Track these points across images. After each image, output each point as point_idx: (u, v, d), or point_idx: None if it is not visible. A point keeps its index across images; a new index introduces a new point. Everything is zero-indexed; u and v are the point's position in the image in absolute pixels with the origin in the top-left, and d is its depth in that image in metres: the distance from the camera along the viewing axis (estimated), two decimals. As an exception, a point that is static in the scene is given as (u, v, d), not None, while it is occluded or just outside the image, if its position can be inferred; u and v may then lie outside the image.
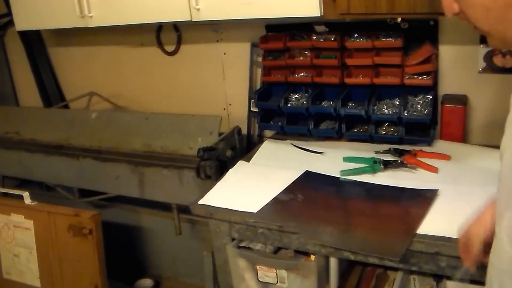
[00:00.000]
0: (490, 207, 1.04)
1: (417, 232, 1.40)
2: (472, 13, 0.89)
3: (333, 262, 1.59)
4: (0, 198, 2.44)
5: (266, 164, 1.98)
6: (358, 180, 1.75)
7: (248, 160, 2.02)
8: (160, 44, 2.61)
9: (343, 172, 1.79)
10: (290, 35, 2.15)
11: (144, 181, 2.32)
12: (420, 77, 1.94)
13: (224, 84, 2.52)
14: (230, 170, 1.94)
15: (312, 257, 1.59)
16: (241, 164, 1.98)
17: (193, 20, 2.01)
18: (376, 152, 1.91)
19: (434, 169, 1.73)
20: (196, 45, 2.52)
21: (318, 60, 2.09)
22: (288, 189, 1.74)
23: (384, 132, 2.03)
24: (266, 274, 1.65)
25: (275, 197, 1.69)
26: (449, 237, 1.32)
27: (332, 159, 1.92)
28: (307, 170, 1.85)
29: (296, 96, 2.20)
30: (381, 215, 1.59)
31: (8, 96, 3.27)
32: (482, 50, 1.86)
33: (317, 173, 1.83)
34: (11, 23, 2.89)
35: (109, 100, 2.78)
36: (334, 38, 2.05)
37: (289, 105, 2.16)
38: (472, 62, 1.91)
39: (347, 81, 2.06)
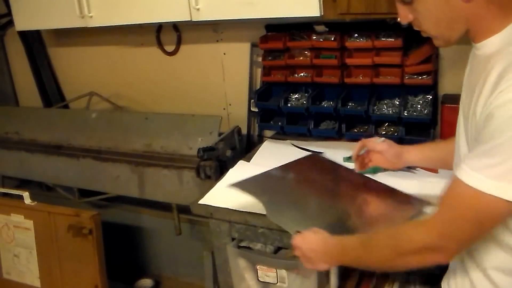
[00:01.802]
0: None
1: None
2: (426, 23, 1.06)
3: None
4: (0, 198, 2.44)
5: (266, 164, 1.97)
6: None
7: (248, 160, 2.02)
8: (160, 44, 2.61)
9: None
10: (290, 35, 2.15)
11: (144, 181, 2.32)
12: (420, 77, 1.94)
13: (224, 84, 2.52)
14: (230, 170, 1.94)
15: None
16: (241, 164, 1.98)
17: (193, 20, 2.01)
18: (376, 152, 1.91)
19: (434, 170, 1.73)
20: (196, 45, 2.52)
21: (318, 60, 2.09)
22: (285, 166, 1.74)
23: (384, 132, 2.03)
24: (266, 274, 1.65)
25: (266, 171, 1.70)
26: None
27: (332, 159, 1.92)
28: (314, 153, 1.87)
29: (296, 96, 2.20)
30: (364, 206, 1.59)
31: (8, 96, 3.27)
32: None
33: (323, 157, 1.84)
34: (11, 23, 2.89)
35: (109, 100, 2.78)
36: (334, 38, 2.05)
37: (289, 105, 2.16)
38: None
39: (347, 81, 2.06)
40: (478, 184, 0.92)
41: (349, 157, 1.88)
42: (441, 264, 1.03)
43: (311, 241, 1.25)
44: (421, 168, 1.76)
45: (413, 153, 1.54)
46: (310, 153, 2.00)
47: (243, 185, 1.62)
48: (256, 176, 1.68)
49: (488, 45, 1.01)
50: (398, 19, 1.11)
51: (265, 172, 1.71)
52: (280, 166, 1.74)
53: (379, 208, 1.58)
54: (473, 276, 1.08)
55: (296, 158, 1.81)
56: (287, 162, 1.77)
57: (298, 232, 1.31)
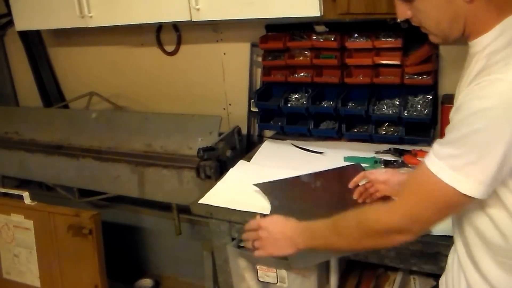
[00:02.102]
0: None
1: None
2: (426, 22, 1.07)
3: (333, 262, 1.59)
4: (0, 198, 2.44)
5: (266, 164, 1.98)
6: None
7: (248, 160, 2.02)
8: (160, 44, 2.61)
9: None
10: (290, 35, 2.15)
11: (144, 181, 2.32)
12: (420, 77, 1.94)
13: (224, 84, 2.52)
14: (230, 170, 1.94)
15: (312, 257, 1.59)
16: (241, 164, 1.98)
17: (193, 20, 2.01)
18: (377, 152, 1.91)
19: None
20: (196, 45, 2.52)
21: (318, 60, 2.09)
22: (318, 173, 1.77)
23: (384, 132, 2.03)
24: (266, 273, 1.65)
25: (295, 177, 1.76)
26: (449, 236, 1.32)
27: (332, 159, 1.92)
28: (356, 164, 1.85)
29: (296, 96, 2.20)
30: None
31: (8, 96, 3.27)
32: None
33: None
34: (11, 23, 2.89)
35: (109, 100, 2.78)
36: (334, 38, 2.05)
37: (289, 105, 2.16)
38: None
39: (347, 81, 2.06)
40: (438, 172, 0.96)
41: (349, 157, 1.89)
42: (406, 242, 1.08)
43: (280, 223, 1.28)
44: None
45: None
46: (310, 152, 2.01)
47: (266, 187, 1.70)
48: (282, 180, 1.74)
49: (478, 44, 1.03)
50: (397, 18, 1.11)
51: (294, 177, 1.76)
52: (314, 173, 1.77)
53: None
54: (468, 275, 1.08)
55: (338, 166, 1.82)
56: (327, 169, 1.79)
57: (264, 215, 1.33)
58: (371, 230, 1.09)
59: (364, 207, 1.16)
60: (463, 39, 1.07)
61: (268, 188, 1.70)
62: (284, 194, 1.69)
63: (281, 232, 1.27)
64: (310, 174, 1.76)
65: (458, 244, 1.12)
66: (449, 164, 0.94)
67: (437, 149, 0.98)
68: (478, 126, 0.90)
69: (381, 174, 1.51)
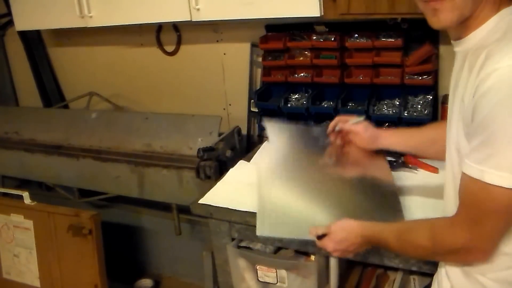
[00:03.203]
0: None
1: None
2: None
3: (333, 262, 1.59)
4: (0, 198, 2.44)
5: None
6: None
7: (248, 160, 2.02)
8: (160, 44, 2.61)
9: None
10: (290, 35, 2.15)
11: (144, 181, 2.32)
12: (420, 77, 1.94)
13: (224, 84, 2.52)
14: (231, 170, 1.94)
15: (312, 257, 1.59)
16: (241, 164, 1.98)
17: (193, 20, 2.01)
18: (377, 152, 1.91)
19: (434, 170, 1.72)
20: (196, 45, 2.52)
21: (318, 60, 2.09)
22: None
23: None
24: (266, 274, 1.65)
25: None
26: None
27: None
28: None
29: (296, 96, 2.20)
30: None
31: (8, 96, 3.27)
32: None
33: None
34: (11, 23, 2.89)
35: (109, 100, 2.78)
36: (334, 38, 2.04)
37: (289, 105, 2.16)
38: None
39: (347, 81, 2.06)
40: (482, 175, 0.91)
41: None
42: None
43: (353, 229, 1.23)
44: (420, 167, 1.76)
45: (389, 138, 1.53)
46: None
47: (273, 128, 1.70)
48: (292, 127, 1.76)
49: (471, 39, 1.00)
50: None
51: (306, 127, 1.80)
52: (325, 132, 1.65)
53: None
54: (454, 279, 1.09)
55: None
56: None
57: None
58: (439, 249, 1.04)
59: (435, 222, 1.08)
60: (454, 33, 1.04)
61: (276, 130, 1.68)
62: (288, 144, 1.66)
63: (357, 236, 1.22)
64: (323, 129, 1.68)
65: None
66: (489, 164, 0.90)
67: (474, 156, 0.93)
68: (501, 118, 0.87)
69: (354, 125, 1.54)
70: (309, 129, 1.77)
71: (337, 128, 1.57)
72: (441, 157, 1.19)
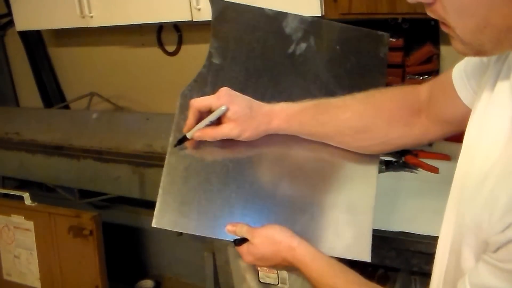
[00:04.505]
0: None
1: (418, 233, 1.39)
2: (462, 21, 0.63)
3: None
4: (0, 199, 2.44)
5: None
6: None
7: (249, 161, 2.00)
8: (160, 45, 2.61)
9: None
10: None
11: (145, 181, 2.31)
12: (421, 77, 1.93)
13: (225, 84, 2.51)
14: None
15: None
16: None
17: (194, 20, 2.01)
18: (378, 153, 1.90)
19: (435, 170, 1.72)
20: (197, 45, 2.52)
21: (319, 60, 2.08)
22: None
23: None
24: (267, 275, 1.65)
25: None
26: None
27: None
28: None
29: (297, 96, 2.19)
30: None
31: (8, 97, 3.26)
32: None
33: None
34: (11, 23, 2.88)
35: (109, 101, 2.78)
36: (335, 38, 2.04)
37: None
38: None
39: (348, 81, 2.05)
40: None
41: None
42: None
43: (283, 249, 0.95)
44: (421, 168, 1.75)
45: (284, 123, 1.03)
46: None
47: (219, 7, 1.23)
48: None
49: None
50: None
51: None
52: None
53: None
54: None
55: None
56: None
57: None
58: None
59: None
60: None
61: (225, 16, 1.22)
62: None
63: (271, 259, 0.97)
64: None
65: None
66: None
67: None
68: None
69: (220, 130, 1.02)
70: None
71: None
72: (368, 151, 1.03)
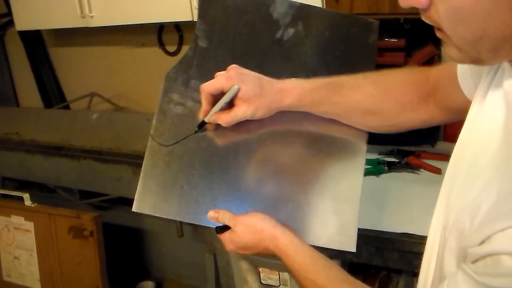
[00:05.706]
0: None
1: (421, 235, 1.38)
2: (458, 30, 0.61)
3: (336, 265, 1.57)
4: (0, 200, 2.43)
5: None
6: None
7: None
8: (161, 45, 2.60)
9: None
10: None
11: (145, 182, 2.31)
12: (423, 78, 1.93)
13: (226, 84, 2.50)
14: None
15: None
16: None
17: (194, 20, 2.00)
18: (380, 153, 1.90)
19: (437, 170, 1.71)
20: (197, 45, 2.51)
21: (320, 61, 2.08)
22: None
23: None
24: (269, 276, 1.64)
25: None
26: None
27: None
28: None
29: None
30: None
31: (8, 97, 3.26)
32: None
33: None
34: (11, 23, 2.88)
35: (110, 101, 2.77)
36: (336, 39, 2.03)
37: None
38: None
39: (350, 81, 2.05)
40: None
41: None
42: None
43: (265, 237, 0.93)
44: (423, 169, 1.75)
45: (297, 101, 1.02)
46: None
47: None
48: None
49: None
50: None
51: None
52: None
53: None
54: None
55: None
56: None
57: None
58: None
59: None
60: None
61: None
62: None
63: (253, 248, 0.96)
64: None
65: None
66: None
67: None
68: None
69: (234, 113, 1.00)
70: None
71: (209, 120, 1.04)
72: (375, 130, 1.06)
